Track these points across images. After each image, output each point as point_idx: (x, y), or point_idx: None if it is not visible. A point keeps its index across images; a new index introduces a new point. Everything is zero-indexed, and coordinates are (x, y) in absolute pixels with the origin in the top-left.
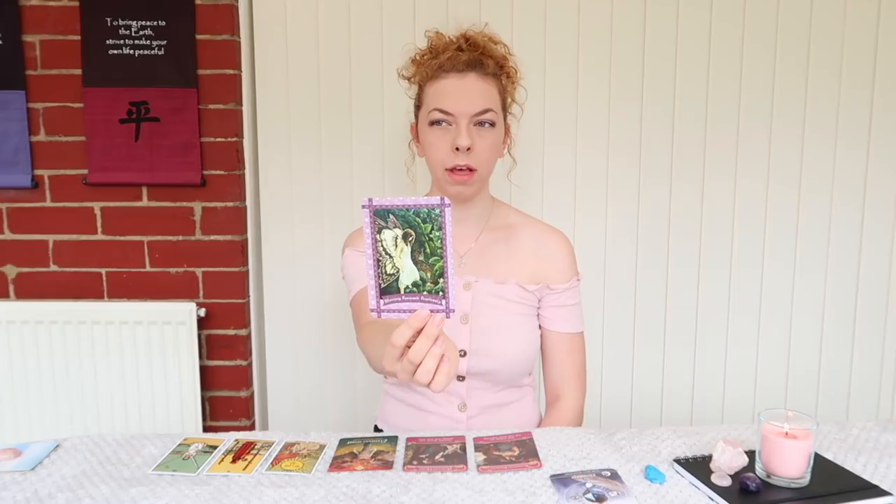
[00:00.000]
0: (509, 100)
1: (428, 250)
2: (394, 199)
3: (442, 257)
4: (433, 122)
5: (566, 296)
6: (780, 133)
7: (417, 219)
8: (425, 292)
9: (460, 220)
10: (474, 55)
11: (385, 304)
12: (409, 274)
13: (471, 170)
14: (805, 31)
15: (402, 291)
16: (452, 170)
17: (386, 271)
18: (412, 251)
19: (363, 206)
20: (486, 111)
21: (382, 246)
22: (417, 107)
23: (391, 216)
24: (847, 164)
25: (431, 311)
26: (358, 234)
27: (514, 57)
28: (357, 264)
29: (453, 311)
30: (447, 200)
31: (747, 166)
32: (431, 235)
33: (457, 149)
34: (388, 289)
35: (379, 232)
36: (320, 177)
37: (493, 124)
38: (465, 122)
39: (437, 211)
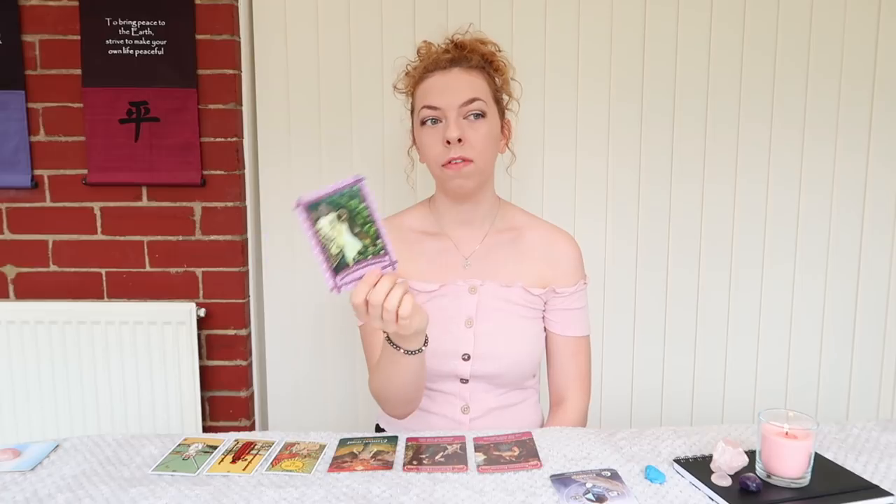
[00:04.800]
0: (505, 96)
1: (360, 220)
2: (318, 191)
3: (373, 222)
4: (424, 122)
5: (572, 299)
6: (780, 134)
7: (343, 199)
8: (370, 256)
9: (466, 221)
10: (459, 53)
11: (340, 279)
12: (351, 247)
13: (465, 160)
14: (805, 32)
15: (352, 263)
16: (448, 163)
17: (332, 253)
18: (349, 227)
19: (296, 207)
20: (472, 100)
21: (322, 234)
22: (412, 112)
23: (322, 205)
24: (847, 165)
25: (381, 267)
26: None
27: (504, 53)
28: None
29: (396, 262)
30: (360, 176)
31: (747, 167)
32: (359, 208)
33: (448, 142)
34: (339, 266)
35: (315, 222)
36: (320, 177)
37: (483, 115)
38: (454, 115)
39: (357, 187)
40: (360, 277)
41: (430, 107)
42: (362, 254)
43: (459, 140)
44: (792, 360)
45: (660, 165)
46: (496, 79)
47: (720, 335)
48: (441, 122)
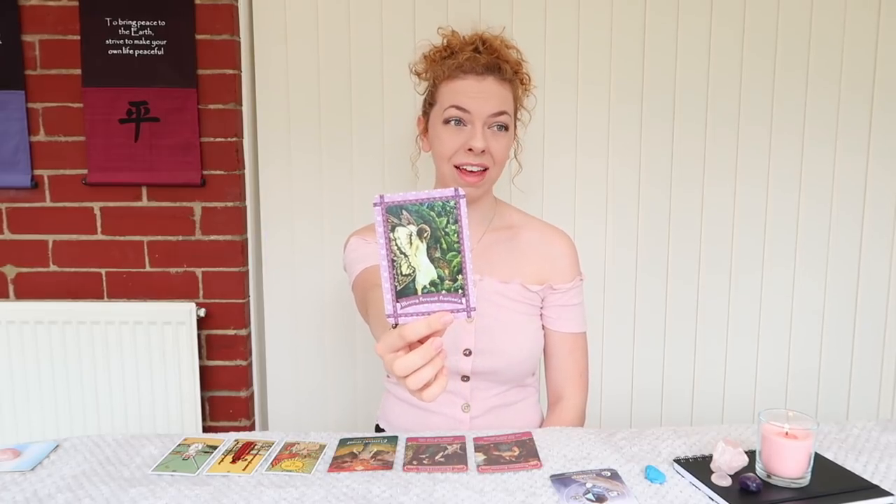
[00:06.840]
0: (519, 105)
1: (444, 245)
2: (406, 195)
3: (459, 252)
4: (448, 120)
5: (569, 296)
6: (780, 136)
7: (432, 213)
8: (444, 291)
9: None
10: (492, 59)
11: (402, 307)
12: (425, 273)
13: (483, 171)
14: (805, 34)
15: (420, 292)
16: (462, 169)
17: (401, 272)
18: (428, 248)
19: (375, 204)
20: (501, 113)
21: (397, 245)
22: (430, 104)
23: (404, 212)
24: (847, 165)
25: (452, 311)
26: (364, 229)
27: (527, 63)
28: (361, 249)
29: (474, 309)
30: (461, 191)
31: (747, 169)
32: (447, 229)
33: (470, 150)
34: (404, 291)
35: (392, 230)
36: (320, 177)
37: (506, 128)
38: (481, 124)
39: (452, 203)
40: (425, 314)
41: (460, 108)
42: (435, 285)
43: (483, 151)
44: (792, 360)
45: (660, 167)
46: (520, 91)
47: (720, 335)
48: (465, 125)
